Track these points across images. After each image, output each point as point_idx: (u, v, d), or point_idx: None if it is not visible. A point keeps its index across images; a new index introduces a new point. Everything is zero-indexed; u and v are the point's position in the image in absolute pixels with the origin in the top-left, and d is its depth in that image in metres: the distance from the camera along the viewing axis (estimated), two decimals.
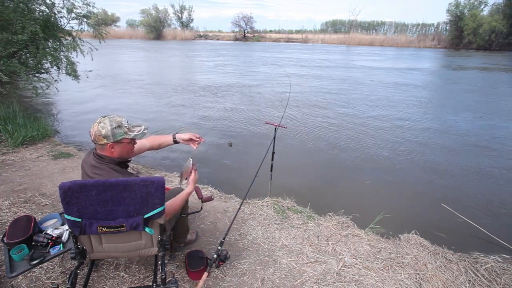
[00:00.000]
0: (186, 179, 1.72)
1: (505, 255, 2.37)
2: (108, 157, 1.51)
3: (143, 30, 47.07)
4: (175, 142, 1.94)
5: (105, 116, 1.49)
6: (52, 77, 5.61)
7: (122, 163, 1.59)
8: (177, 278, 1.86)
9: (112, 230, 1.35)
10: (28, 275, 1.86)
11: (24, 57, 5.57)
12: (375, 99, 8.45)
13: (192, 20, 52.10)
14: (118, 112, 6.78)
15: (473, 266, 2.16)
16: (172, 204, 1.58)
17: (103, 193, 1.29)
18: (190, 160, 1.71)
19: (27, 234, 1.69)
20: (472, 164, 4.39)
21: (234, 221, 2.06)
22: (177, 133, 1.95)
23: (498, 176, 4.05)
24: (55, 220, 1.95)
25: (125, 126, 1.50)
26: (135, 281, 1.87)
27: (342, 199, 3.41)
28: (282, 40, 47.77)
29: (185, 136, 1.92)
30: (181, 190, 1.87)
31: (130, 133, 1.51)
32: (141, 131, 1.55)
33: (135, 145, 1.60)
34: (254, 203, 2.89)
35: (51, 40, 5.62)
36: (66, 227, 1.84)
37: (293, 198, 3.02)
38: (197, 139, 1.94)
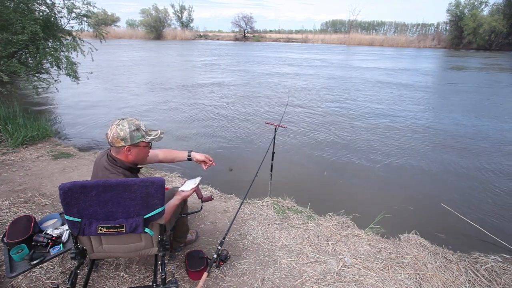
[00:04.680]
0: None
1: (505, 255, 2.37)
2: (121, 160, 1.53)
3: (143, 30, 47.09)
4: (189, 159, 1.97)
5: (123, 119, 1.51)
6: (52, 77, 5.61)
7: (133, 168, 1.60)
8: (177, 278, 1.86)
9: (112, 230, 1.35)
10: (28, 275, 1.86)
11: (24, 57, 5.57)
12: (373, 100, 8.45)
13: (192, 20, 52.18)
14: (116, 111, 6.85)
15: (473, 266, 2.16)
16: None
17: (103, 194, 1.29)
18: (198, 179, 1.74)
19: (27, 234, 1.69)
20: (472, 164, 4.39)
21: (234, 221, 2.06)
22: (192, 151, 1.99)
23: (498, 175, 4.05)
24: (55, 220, 1.95)
25: (143, 130, 1.54)
26: (135, 281, 1.87)
27: (342, 199, 3.41)
28: (282, 40, 47.78)
29: (200, 157, 1.96)
30: (177, 190, 1.87)
31: (147, 137, 1.55)
32: (157, 135, 1.59)
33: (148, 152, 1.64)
34: (254, 203, 2.89)
35: (51, 40, 5.61)
36: (66, 227, 1.84)
37: (293, 198, 3.02)
38: (209, 162, 1.98)
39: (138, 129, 1.51)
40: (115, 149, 1.51)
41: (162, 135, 1.62)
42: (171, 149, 2.00)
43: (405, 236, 2.49)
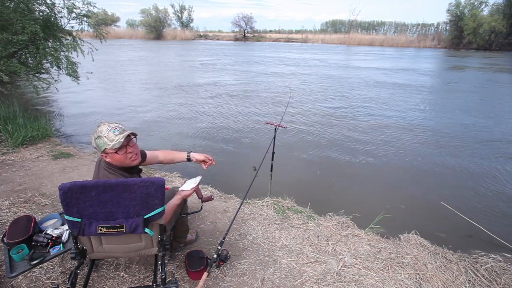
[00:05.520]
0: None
1: (505, 255, 2.37)
2: (111, 163, 1.53)
3: (143, 30, 47.13)
4: (188, 160, 1.97)
5: (98, 125, 1.49)
6: (52, 77, 5.61)
7: (130, 169, 1.59)
8: (177, 278, 1.86)
9: (112, 230, 1.35)
10: (28, 275, 1.86)
11: (24, 57, 5.57)
12: (370, 100, 8.44)
13: (192, 20, 52.26)
14: (115, 111, 6.85)
15: (473, 266, 2.16)
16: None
17: (103, 194, 1.29)
18: (198, 178, 1.74)
19: (27, 234, 1.69)
20: (471, 163, 4.39)
21: (234, 221, 2.06)
22: (191, 152, 1.99)
23: (498, 174, 4.05)
24: (55, 220, 1.95)
25: (105, 136, 1.43)
26: (135, 281, 1.87)
27: (342, 199, 3.41)
28: (282, 40, 47.81)
29: (200, 156, 1.96)
30: (177, 189, 1.88)
31: (110, 143, 1.43)
32: (117, 141, 1.43)
33: (130, 154, 1.52)
34: (254, 203, 2.89)
35: (51, 40, 5.62)
36: (66, 227, 1.84)
37: (293, 198, 3.02)
38: (209, 161, 1.98)
39: (99, 136, 1.44)
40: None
41: (122, 140, 1.44)
42: (170, 150, 2.01)
43: (405, 236, 2.49)
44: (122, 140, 1.44)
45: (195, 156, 1.96)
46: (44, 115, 5.90)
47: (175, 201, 1.63)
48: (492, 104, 8.38)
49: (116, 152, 1.46)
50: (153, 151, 1.88)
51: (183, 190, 1.69)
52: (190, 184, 1.71)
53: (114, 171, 1.52)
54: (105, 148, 1.44)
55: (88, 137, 5.09)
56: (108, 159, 1.49)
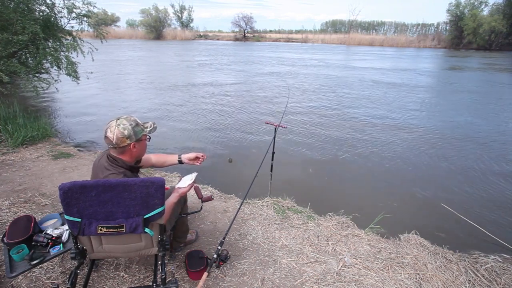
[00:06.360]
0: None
1: (505, 255, 2.37)
2: (122, 160, 1.53)
3: (143, 30, 47.13)
4: (180, 162, 1.99)
5: (118, 119, 1.50)
6: (52, 77, 5.61)
7: (134, 168, 1.62)
8: (177, 278, 1.86)
9: (112, 230, 1.35)
10: (28, 275, 1.86)
11: (24, 57, 5.57)
12: (368, 100, 8.45)
13: (192, 20, 52.25)
14: (115, 110, 6.85)
15: (473, 266, 2.16)
16: None
17: (103, 194, 1.29)
18: (194, 175, 1.74)
19: (27, 234, 1.69)
20: (471, 164, 4.39)
21: (234, 221, 2.06)
22: (182, 153, 2.01)
23: (498, 175, 4.05)
24: (55, 220, 1.95)
25: (141, 124, 1.58)
26: (135, 281, 1.87)
27: (342, 199, 3.41)
28: (282, 40, 47.81)
29: (191, 155, 1.99)
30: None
31: (146, 129, 1.60)
32: (152, 126, 1.63)
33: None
34: (254, 203, 2.89)
35: (51, 40, 5.61)
36: (66, 227, 1.84)
37: (293, 198, 3.02)
38: (201, 157, 2.02)
39: (137, 124, 1.54)
40: (119, 150, 1.51)
41: (155, 125, 1.66)
42: (161, 153, 2.04)
43: (405, 236, 2.49)
44: (156, 126, 1.66)
45: (187, 156, 1.99)
46: (44, 115, 5.90)
47: (172, 199, 1.64)
48: (494, 104, 8.37)
49: (149, 139, 1.62)
50: (146, 154, 1.89)
51: (179, 188, 1.69)
52: (186, 181, 1.71)
53: (117, 170, 1.51)
54: (142, 135, 1.56)
55: (88, 137, 5.10)
56: (135, 149, 1.55)
